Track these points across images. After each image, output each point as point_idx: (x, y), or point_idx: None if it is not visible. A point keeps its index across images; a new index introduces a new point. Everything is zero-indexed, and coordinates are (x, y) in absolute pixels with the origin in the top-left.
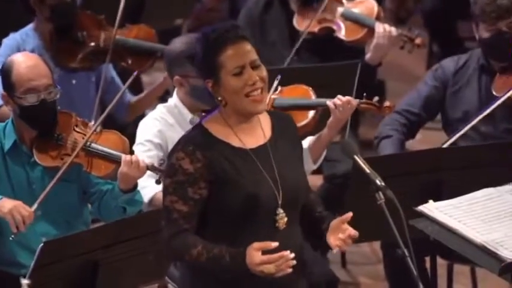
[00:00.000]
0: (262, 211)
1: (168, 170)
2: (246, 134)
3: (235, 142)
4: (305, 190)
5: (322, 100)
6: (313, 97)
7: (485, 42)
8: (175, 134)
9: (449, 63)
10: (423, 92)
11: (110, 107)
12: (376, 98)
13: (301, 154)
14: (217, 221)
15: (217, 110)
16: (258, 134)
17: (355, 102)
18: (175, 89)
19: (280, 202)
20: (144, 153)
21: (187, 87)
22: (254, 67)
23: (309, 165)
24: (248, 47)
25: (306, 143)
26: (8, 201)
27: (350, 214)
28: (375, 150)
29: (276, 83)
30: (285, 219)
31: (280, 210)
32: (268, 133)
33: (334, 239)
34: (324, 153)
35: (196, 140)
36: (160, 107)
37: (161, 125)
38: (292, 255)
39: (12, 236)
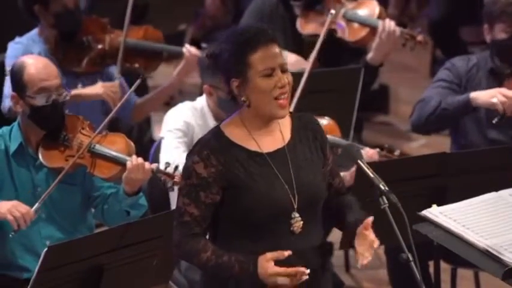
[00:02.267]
0: (276, 215)
1: (184, 172)
2: (264, 138)
3: (251, 146)
4: (323, 194)
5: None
6: (339, 134)
7: (500, 43)
8: (199, 131)
9: (460, 62)
10: (445, 87)
11: (114, 110)
12: (397, 152)
13: (323, 157)
14: (233, 225)
15: (237, 113)
16: (276, 137)
17: (376, 155)
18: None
19: (295, 206)
20: (176, 139)
21: (215, 98)
22: (283, 71)
23: None
24: (277, 50)
25: None
26: (5, 203)
27: (371, 219)
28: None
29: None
30: (301, 222)
31: (296, 214)
32: (287, 136)
33: (358, 251)
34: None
35: (212, 145)
36: (189, 104)
37: (189, 117)
38: (308, 270)
39: (12, 232)
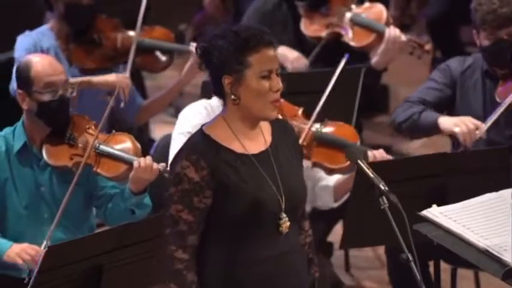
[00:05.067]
0: (266, 216)
1: (174, 178)
2: (248, 140)
3: (237, 148)
4: (305, 195)
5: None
6: (358, 142)
7: (486, 50)
8: None
9: (455, 64)
10: (434, 88)
11: (108, 109)
12: None
13: (301, 160)
14: (222, 226)
15: (220, 115)
16: (259, 139)
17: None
18: None
19: (283, 207)
20: None
21: None
22: (277, 75)
23: (329, 203)
24: (275, 53)
25: (333, 180)
26: (16, 246)
27: None
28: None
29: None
30: (288, 223)
31: (284, 215)
32: (268, 139)
33: None
34: (347, 195)
35: (199, 148)
36: (204, 102)
37: (203, 118)
38: None
39: (27, 275)
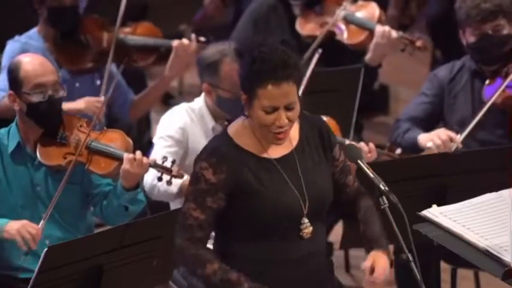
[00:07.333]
0: (285, 221)
1: (191, 177)
2: (272, 143)
3: (260, 152)
4: (331, 197)
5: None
6: (338, 134)
7: (472, 47)
8: (197, 134)
9: (443, 72)
10: (423, 102)
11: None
12: (398, 151)
13: (329, 157)
14: (243, 230)
15: (244, 118)
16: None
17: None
18: (203, 93)
19: (305, 212)
20: (165, 149)
21: (214, 96)
22: (288, 109)
23: None
24: (289, 88)
25: None
26: (15, 222)
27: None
28: (401, 148)
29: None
30: (310, 228)
31: (305, 220)
32: (295, 140)
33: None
34: None
35: (221, 151)
36: (185, 105)
37: (183, 122)
38: None
39: (23, 256)
